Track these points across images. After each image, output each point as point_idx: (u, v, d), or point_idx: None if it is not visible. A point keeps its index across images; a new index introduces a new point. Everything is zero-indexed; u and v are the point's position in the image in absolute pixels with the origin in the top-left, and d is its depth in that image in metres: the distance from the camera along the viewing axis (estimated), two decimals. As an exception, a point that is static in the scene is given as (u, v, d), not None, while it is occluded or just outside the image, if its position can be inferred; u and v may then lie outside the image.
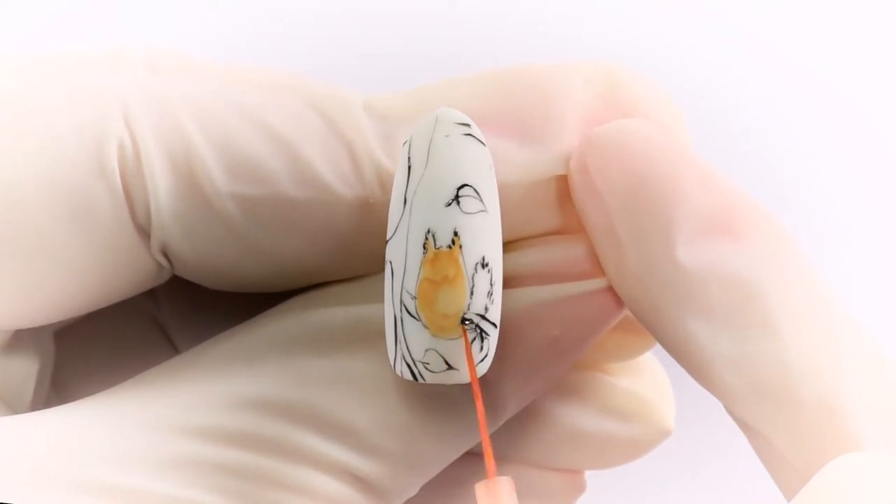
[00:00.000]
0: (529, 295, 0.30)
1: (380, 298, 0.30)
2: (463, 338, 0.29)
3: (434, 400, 0.30)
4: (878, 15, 0.43)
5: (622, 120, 0.30)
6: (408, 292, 0.29)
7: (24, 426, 0.29)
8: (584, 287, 0.30)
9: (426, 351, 0.29)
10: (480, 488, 0.28)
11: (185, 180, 0.29)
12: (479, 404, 0.29)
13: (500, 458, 0.34)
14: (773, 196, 0.44)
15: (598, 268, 0.30)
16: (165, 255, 0.30)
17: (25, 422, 0.29)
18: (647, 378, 0.35)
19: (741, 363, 0.29)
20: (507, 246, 0.31)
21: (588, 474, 0.36)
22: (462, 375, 0.29)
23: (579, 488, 0.36)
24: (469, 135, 0.29)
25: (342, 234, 0.30)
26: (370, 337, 0.30)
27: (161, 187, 0.29)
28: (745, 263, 0.29)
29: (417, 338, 0.29)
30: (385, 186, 0.30)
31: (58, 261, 0.29)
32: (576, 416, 0.34)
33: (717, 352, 0.29)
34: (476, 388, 0.29)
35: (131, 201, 0.29)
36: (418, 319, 0.29)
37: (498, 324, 0.29)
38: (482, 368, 0.29)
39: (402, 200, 0.29)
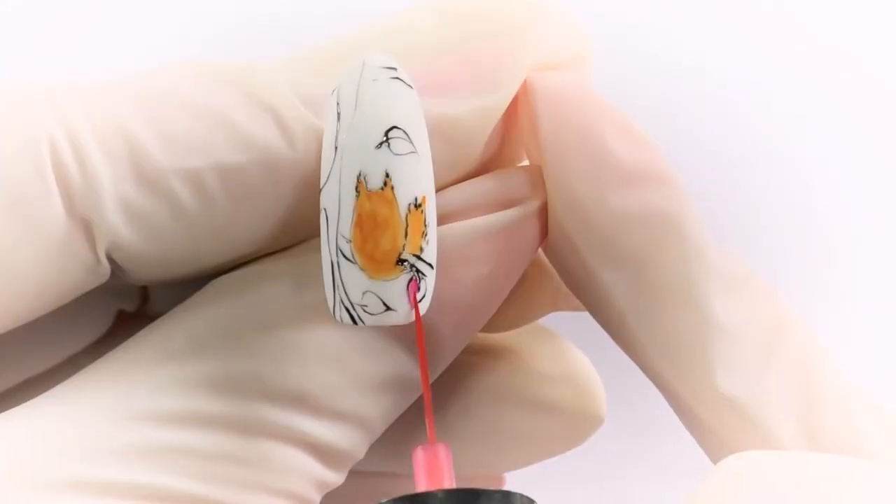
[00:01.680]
0: (458, 230, 0.31)
1: (317, 262, 0.30)
2: (400, 278, 0.29)
3: (375, 355, 0.30)
4: (879, 15, 0.43)
5: (558, 73, 0.31)
6: (343, 236, 0.29)
7: None
8: (507, 217, 0.31)
9: (364, 293, 0.29)
10: (417, 453, 0.28)
11: (125, 164, 0.29)
12: (425, 380, 0.29)
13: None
14: (774, 195, 0.44)
15: (528, 196, 0.31)
16: (111, 256, 0.30)
17: None
18: (570, 363, 0.35)
19: (649, 316, 0.30)
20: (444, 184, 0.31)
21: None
22: (400, 316, 0.29)
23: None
24: (396, 78, 0.29)
25: (288, 198, 0.30)
26: (309, 303, 0.30)
27: (102, 175, 0.29)
28: (668, 203, 0.30)
29: (355, 281, 0.29)
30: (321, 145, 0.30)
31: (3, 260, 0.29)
32: (503, 418, 0.34)
33: (629, 304, 0.30)
34: (423, 358, 0.29)
35: (70, 193, 0.29)
36: (354, 262, 0.29)
37: (434, 264, 0.29)
38: (421, 308, 0.29)
39: (333, 147, 0.29)
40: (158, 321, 0.31)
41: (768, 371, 0.29)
